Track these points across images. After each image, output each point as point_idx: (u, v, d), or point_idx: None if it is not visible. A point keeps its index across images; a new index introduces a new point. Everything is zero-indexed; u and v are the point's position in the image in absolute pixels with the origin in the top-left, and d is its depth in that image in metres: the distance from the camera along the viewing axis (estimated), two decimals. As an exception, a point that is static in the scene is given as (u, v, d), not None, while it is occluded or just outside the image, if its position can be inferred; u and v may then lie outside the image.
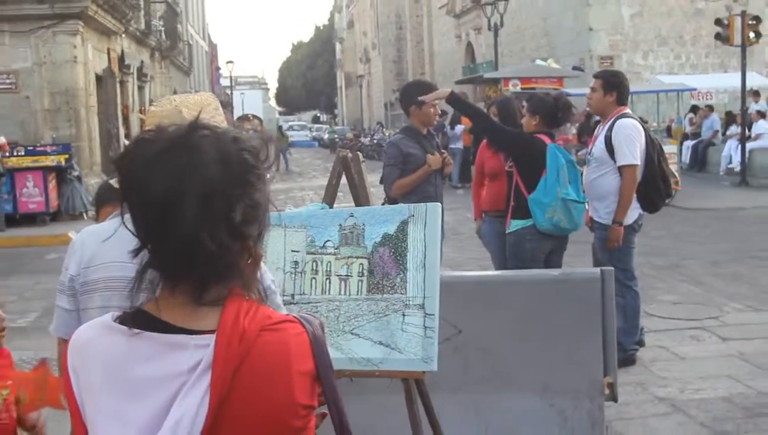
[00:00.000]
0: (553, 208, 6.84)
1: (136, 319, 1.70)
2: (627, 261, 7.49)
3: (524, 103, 7.93)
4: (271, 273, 3.01)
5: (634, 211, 7.49)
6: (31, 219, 18.82)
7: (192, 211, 1.62)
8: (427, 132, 7.41)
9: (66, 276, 2.80)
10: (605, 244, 7.41)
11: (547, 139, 7.02)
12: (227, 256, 1.68)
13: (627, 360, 7.31)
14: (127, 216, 1.72)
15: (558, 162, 6.88)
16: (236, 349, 1.64)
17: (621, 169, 7.31)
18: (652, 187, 7.51)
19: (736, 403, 6.52)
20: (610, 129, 7.39)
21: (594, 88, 7.63)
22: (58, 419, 3.98)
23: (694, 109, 29.10)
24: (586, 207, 7.20)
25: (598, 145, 7.49)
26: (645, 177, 7.44)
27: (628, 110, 7.70)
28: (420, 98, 7.05)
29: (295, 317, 1.77)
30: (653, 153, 7.49)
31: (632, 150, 7.30)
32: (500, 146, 7.47)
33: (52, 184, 19.18)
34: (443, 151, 7.51)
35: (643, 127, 7.62)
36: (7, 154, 18.56)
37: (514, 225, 7.11)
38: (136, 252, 1.71)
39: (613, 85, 7.58)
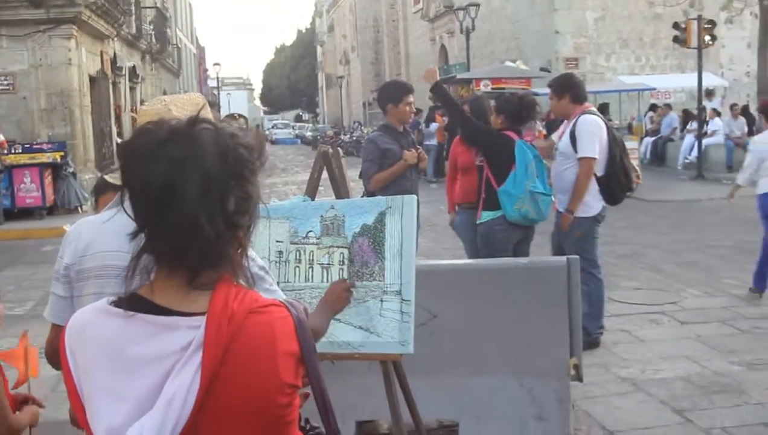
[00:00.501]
0: (521, 200, 6.86)
1: (131, 303, 1.71)
2: (591, 250, 7.52)
3: (492, 102, 7.97)
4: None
5: (597, 204, 7.53)
6: (28, 213, 18.74)
7: (191, 198, 1.64)
8: (403, 129, 7.42)
9: (61, 264, 2.79)
10: (567, 232, 7.46)
11: (514, 136, 7.04)
12: (220, 244, 1.69)
13: (592, 343, 7.36)
14: (127, 203, 1.73)
15: (526, 157, 6.90)
16: (225, 329, 1.64)
17: (579, 161, 7.34)
18: (615, 180, 7.53)
19: (693, 382, 6.57)
20: (575, 125, 7.43)
21: (550, 97, 7.73)
22: (59, 403, 3.97)
23: (654, 107, 29.24)
24: (553, 199, 7.22)
25: (564, 141, 7.52)
26: (608, 171, 7.48)
27: (591, 108, 7.74)
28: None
29: (280, 302, 1.78)
30: (616, 149, 7.52)
31: (592, 144, 7.34)
32: (472, 140, 7.49)
33: (48, 179, 19.12)
34: (418, 147, 7.52)
35: (606, 124, 7.66)
36: (6, 151, 18.48)
37: (485, 216, 7.14)
38: (134, 235, 1.72)
39: (563, 88, 7.66)
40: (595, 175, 7.45)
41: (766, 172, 9.09)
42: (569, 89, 7.64)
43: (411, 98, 7.34)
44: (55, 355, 2.66)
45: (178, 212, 1.64)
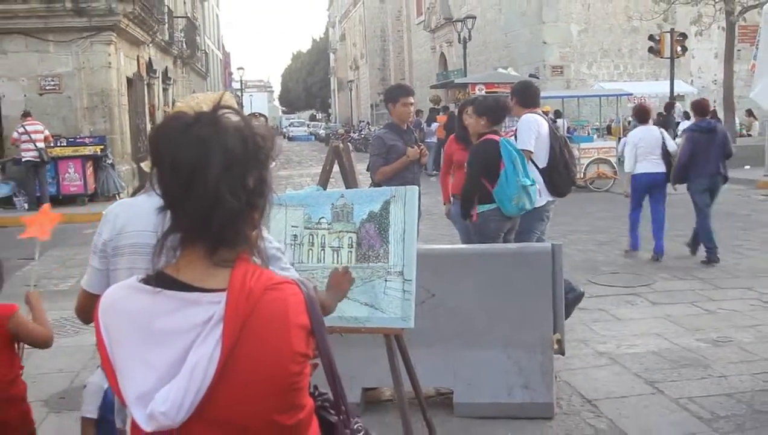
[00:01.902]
0: (517, 196, 6.66)
1: (158, 280, 1.70)
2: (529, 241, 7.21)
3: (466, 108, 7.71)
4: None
5: (542, 198, 7.20)
6: (71, 199, 18.82)
7: (215, 173, 1.63)
8: (406, 127, 7.40)
9: (99, 240, 2.81)
10: (528, 222, 7.19)
11: (496, 137, 6.88)
12: (239, 222, 1.69)
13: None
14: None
15: (511, 154, 6.76)
16: (243, 305, 1.64)
17: None
18: (555, 171, 7.29)
19: (663, 357, 6.55)
20: (518, 125, 7.38)
21: (509, 98, 7.70)
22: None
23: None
24: (537, 186, 7.06)
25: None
26: (549, 163, 7.27)
27: (538, 110, 7.59)
28: None
29: (293, 280, 1.78)
30: (555, 143, 7.32)
31: (529, 138, 7.20)
32: (482, 176, 6.99)
33: (90, 170, 19.25)
34: (420, 144, 7.49)
35: (548, 122, 7.52)
36: (52, 144, 18.60)
37: (480, 208, 7.00)
38: (160, 210, 1.71)
39: (512, 92, 7.64)
40: (538, 167, 7.25)
41: (640, 159, 10.69)
42: (516, 94, 7.58)
43: (409, 99, 7.33)
44: (85, 314, 2.89)
45: (204, 185, 1.63)
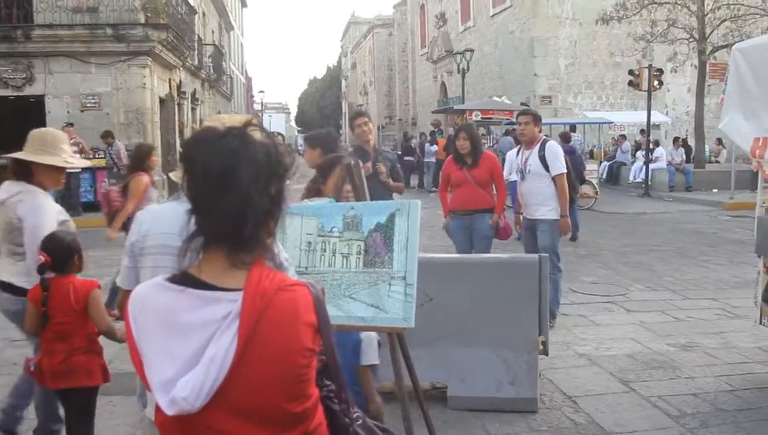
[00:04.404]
0: None
1: (183, 279, 1.72)
2: (559, 245, 7.67)
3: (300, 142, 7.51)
4: (289, 251, 3.04)
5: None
6: (107, 206, 18.88)
7: (245, 180, 1.65)
8: (372, 149, 7.35)
9: (129, 241, 2.87)
10: (551, 234, 7.49)
11: None
12: (258, 230, 1.70)
13: (552, 316, 7.49)
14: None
15: None
16: (258, 303, 1.65)
17: (556, 178, 7.38)
18: (571, 186, 7.79)
19: (636, 359, 6.54)
20: (542, 149, 7.44)
21: (527, 123, 7.61)
22: (128, 358, 3.99)
23: (623, 136, 28.94)
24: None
25: (534, 162, 7.48)
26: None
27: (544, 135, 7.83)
28: None
29: (303, 282, 1.78)
30: (567, 164, 7.76)
31: (562, 162, 7.51)
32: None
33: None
34: (377, 164, 7.15)
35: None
36: (91, 156, 18.70)
37: None
38: (189, 213, 1.72)
39: (539, 120, 7.68)
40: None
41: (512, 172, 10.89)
42: (540, 122, 7.74)
43: (359, 121, 7.37)
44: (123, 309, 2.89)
45: (237, 189, 1.65)
